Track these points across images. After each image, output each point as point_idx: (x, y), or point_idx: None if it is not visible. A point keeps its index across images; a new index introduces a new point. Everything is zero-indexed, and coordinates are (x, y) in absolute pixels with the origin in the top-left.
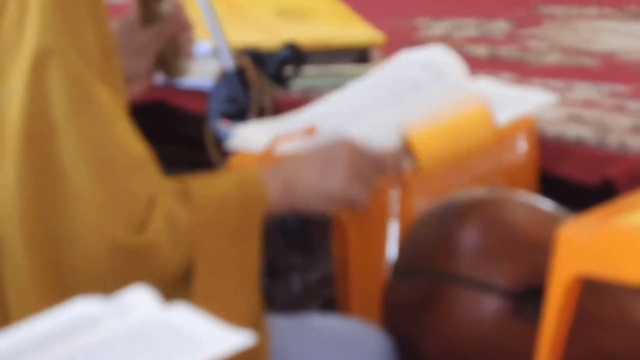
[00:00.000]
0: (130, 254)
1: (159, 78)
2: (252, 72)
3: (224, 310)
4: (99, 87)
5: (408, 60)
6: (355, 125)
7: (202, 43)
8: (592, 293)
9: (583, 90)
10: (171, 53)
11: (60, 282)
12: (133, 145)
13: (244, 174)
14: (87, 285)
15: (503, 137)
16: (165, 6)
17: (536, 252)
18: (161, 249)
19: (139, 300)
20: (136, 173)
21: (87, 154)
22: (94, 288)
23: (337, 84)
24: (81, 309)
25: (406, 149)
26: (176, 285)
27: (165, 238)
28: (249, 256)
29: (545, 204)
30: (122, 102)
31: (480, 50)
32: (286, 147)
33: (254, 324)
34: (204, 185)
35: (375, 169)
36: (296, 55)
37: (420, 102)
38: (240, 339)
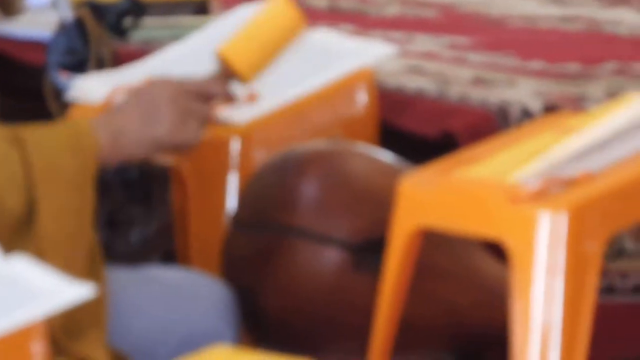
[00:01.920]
0: None
1: None
2: (91, 24)
3: (63, 260)
4: None
5: (244, 13)
6: (192, 76)
7: None
8: (433, 246)
9: (423, 42)
10: None
11: None
12: None
13: (75, 125)
14: None
15: (343, 88)
16: None
17: (376, 205)
18: None
19: None
20: None
21: None
22: None
23: (176, 36)
24: None
25: (224, 67)
26: (15, 233)
27: None
28: (84, 207)
29: (386, 157)
30: None
31: (321, 2)
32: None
33: (93, 275)
34: (36, 135)
35: (201, 100)
36: (136, 7)
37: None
38: (79, 291)
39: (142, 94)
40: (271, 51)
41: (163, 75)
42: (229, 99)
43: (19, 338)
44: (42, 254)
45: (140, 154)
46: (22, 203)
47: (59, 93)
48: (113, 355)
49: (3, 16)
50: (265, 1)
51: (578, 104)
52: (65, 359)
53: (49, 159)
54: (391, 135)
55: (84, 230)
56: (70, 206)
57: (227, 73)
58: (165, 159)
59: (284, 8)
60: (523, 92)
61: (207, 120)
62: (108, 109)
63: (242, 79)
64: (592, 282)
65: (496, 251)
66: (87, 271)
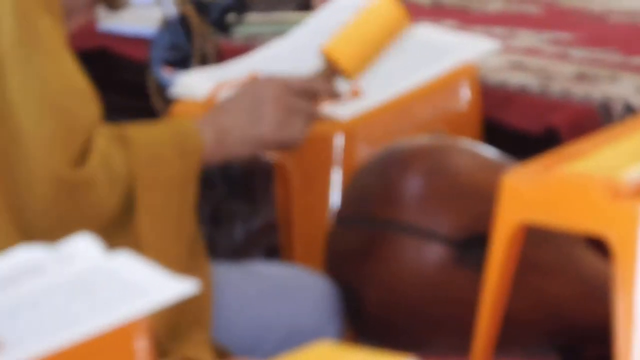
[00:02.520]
0: (71, 188)
1: (102, 16)
2: (194, 20)
3: (165, 257)
4: (45, 17)
5: (344, 4)
6: (296, 72)
7: None
8: (536, 241)
9: (526, 37)
10: None
11: (21, 223)
12: (76, 76)
13: (181, 125)
14: (39, 225)
15: (446, 84)
16: None
17: (479, 200)
18: (97, 186)
19: (83, 248)
20: (80, 104)
21: (34, 86)
22: (43, 227)
23: (279, 31)
24: (25, 256)
25: (329, 65)
26: (117, 230)
27: (101, 176)
28: (186, 205)
29: (489, 152)
30: (63, 34)
31: None
32: (229, 95)
33: (196, 271)
34: (141, 134)
35: (306, 97)
36: (239, 3)
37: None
38: (183, 286)
39: (246, 92)
40: (375, 49)
41: (268, 73)
42: (334, 96)
43: (123, 334)
44: (140, 250)
45: (245, 152)
46: (122, 202)
47: (162, 89)
48: (216, 351)
49: (108, 11)
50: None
51: None
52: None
53: (153, 159)
54: (494, 131)
55: (184, 228)
56: (171, 206)
57: (331, 70)
58: (270, 156)
59: (389, 5)
60: (626, 88)
61: (312, 118)
62: (212, 107)
63: (347, 76)
64: None
65: (599, 247)
66: (188, 268)
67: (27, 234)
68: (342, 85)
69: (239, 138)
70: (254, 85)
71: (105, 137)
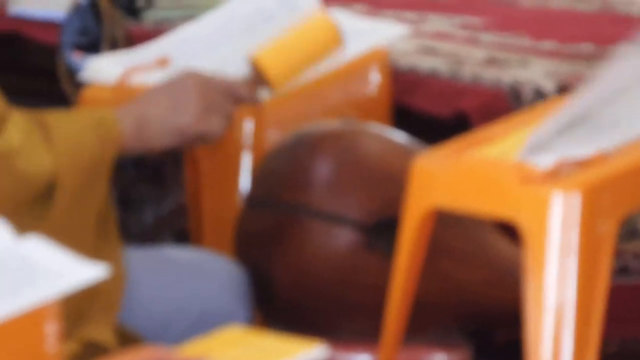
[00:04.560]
0: None
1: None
2: (104, 4)
3: (78, 242)
4: None
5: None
6: (207, 56)
7: None
8: (446, 226)
9: (436, 22)
10: None
11: None
12: None
13: (100, 115)
14: None
15: (356, 69)
16: None
17: (389, 185)
18: (17, 151)
19: None
20: None
21: None
22: None
23: (190, 16)
24: None
25: (256, 72)
26: (29, 214)
27: (21, 142)
28: (100, 192)
29: (399, 137)
30: None
31: None
32: (139, 79)
33: (109, 256)
34: (61, 121)
35: (229, 99)
36: None
37: (271, 32)
38: (94, 271)
39: (170, 85)
40: (305, 64)
41: (195, 69)
42: (255, 103)
43: (32, 319)
44: (53, 235)
45: (164, 144)
46: (34, 192)
47: (72, 73)
48: (124, 336)
49: None
50: (306, 13)
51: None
52: (72, 344)
53: (71, 146)
54: (404, 116)
55: (97, 213)
56: (86, 192)
57: (258, 78)
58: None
59: (324, 23)
60: (536, 73)
61: (231, 118)
62: (130, 93)
63: (272, 86)
64: (605, 263)
65: (509, 232)
66: (101, 252)
67: None
68: (265, 93)
69: (159, 129)
70: (178, 79)
71: (21, 117)
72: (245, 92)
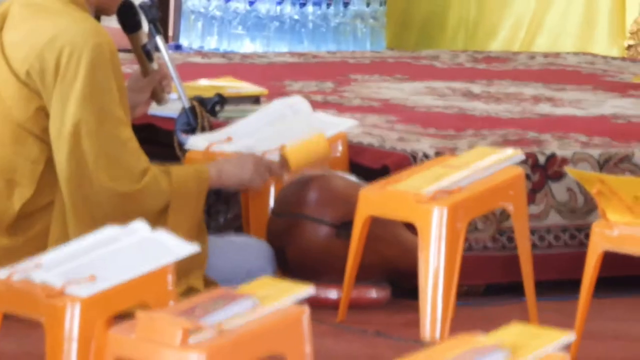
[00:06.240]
0: (130, 196)
1: (152, 107)
2: (199, 108)
3: (184, 234)
4: (119, 110)
5: (280, 103)
6: (252, 137)
7: (173, 94)
8: (378, 224)
9: (372, 119)
10: (159, 91)
11: (89, 216)
12: (133, 142)
13: (199, 167)
14: (105, 218)
15: (330, 142)
16: (155, 66)
17: (348, 203)
18: (148, 196)
19: (140, 228)
20: (135, 158)
21: (107, 147)
22: (110, 220)
23: (243, 115)
24: (110, 231)
25: (283, 159)
26: (159, 220)
27: (152, 190)
28: (198, 209)
29: (353, 178)
30: (129, 120)
31: (318, 97)
32: (216, 149)
33: (200, 240)
34: (178, 170)
35: (267, 170)
36: (222, 99)
37: (286, 126)
38: (192, 248)
39: (240, 157)
40: (311, 160)
41: (253, 152)
42: (280, 177)
43: (161, 272)
44: (173, 230)
45: (230, 186)
46: (162, 207)
47: (181, 145)
48: (208, 283)
49: (157, 105)
50: (316, 136)
51: (453, 152)
52: (180, 287)
53: (182, 184)
54: (355, 167)
55: (196, 218)
56: (190, 209)
57: (284, 162)
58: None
59: (324, 142)
60: (424, 145)
61: (266, 181)
62: (211, 155)
63: (291, 171)
64: (460, 245)
65: (411, 228)
66: (195, 238)
67: (97, 224)
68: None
69: (229, 179)
70: (244, 155)
71: (157, 169)
72: (276, 170)
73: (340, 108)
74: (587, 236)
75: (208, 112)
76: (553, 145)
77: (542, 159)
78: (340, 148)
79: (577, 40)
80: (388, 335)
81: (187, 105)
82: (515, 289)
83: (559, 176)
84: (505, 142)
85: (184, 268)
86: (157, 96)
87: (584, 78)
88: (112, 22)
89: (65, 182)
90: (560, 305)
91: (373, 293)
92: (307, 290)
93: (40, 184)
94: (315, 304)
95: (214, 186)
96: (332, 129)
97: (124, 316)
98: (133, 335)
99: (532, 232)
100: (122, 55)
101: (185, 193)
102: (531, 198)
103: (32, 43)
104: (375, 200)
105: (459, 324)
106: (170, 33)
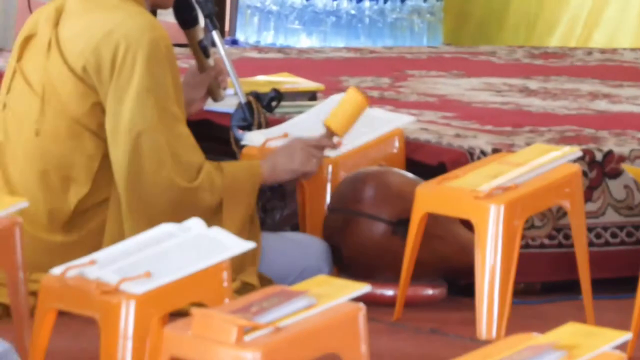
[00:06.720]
0: (187, 192)
1: (208, 103)
2: (254, 104)
3: (237, 231)
4: (175, 106)
5: (336, 99)
6: (307, 134)
7: (229, 89)
8: (435, 222)
9: (429, 115)
10: (215, 87)
11: (145, 213)
12: (190, 139)
13: (251, 163)
14: (161, 215)
15: (387, 138)
16: (211, 61)
17: (405, 200)
18: (204, 192)
19: (195, 225)
20: (191, 154)
21: (164, 144)
22: (166, 217)
23: (299, 111)
24: (166, 228)
25: (328, 129)
26: (213, 217)
27: (206, 186)
28: (251, 205)
29: (409, 175)
30: (184, 116)
31: (375, 93)
32: (272, 145)
33: (253, 237)
34: (230, 166)
35: (317, 147)
36: (278, 95)
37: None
38: (246, 245)
39: (286, 146)
40: (352, 119)
41: (295, 134)
42: (332, 147)
43: (217, 268)
44: (227, 227)
45: (285, 179)
46: (216, 203)
47: (237, 141)
48: (262, 279)
49: (213, 101)
50: (346, 92)
51: (510, 148)
52: (235, 283)
53: (235, 180)
54: (411, 164)
55: (249, 215)
56: (243, 206)
57: (330, 132)
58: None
59: (357, 95)
60: (481, 142)
61: (321, 160)
62: (268, 152)
63: (337, 135)
64: (517, 242)
65: (468, 225)
66: (249, 236)
67: (152, 221)
68: (336, 139)
69: (282, 171)
70: (290, 142)
71: (210, 166)
72: (325, 142)
73: (397, 104)
74: None
75: (264, 107)
76: (610, 142)
77: (599, 156)
78: (397, 144)
79: (634, 37)
80: (444, 333)
81: (243, 100)
82: (571, 287)
83: (617, 173)
84: (562, 139)
85: (236, 265)
86: (214, 92)
87: None
88: (167, 17)
89: (122, 178)
90: (616, 303)
91: (429, 291)
92: (363, 288)
93: (96, 180)
94: (371, 302)
95: (268, 181)
96: (389, 125)
97: (179, 314)
98: (188, 332)
99: (589, 229)
100: (178, 50)
101: (238, 189)
102: (588, 195)
103: (88, 38)
104: (431, 197)
105: (515, 323)
106: (227, 28)
